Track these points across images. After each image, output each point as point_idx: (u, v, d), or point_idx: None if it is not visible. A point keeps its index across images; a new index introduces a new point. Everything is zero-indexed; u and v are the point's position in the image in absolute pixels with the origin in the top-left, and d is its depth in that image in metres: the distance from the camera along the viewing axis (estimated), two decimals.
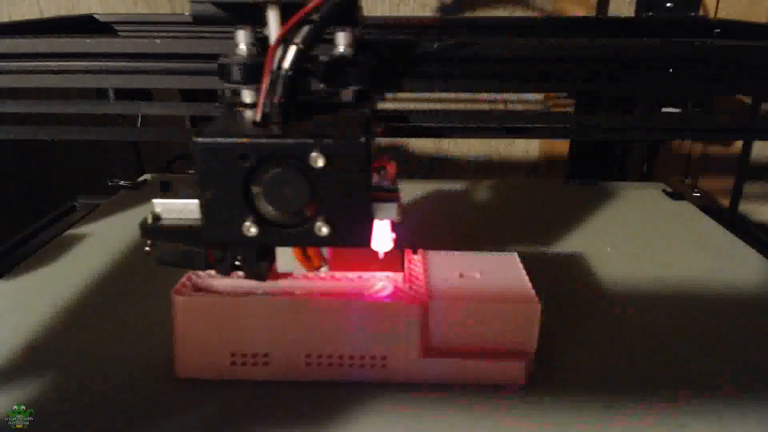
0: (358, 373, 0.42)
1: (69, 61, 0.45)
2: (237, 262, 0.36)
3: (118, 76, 0.46)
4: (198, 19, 0.33)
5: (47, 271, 0.61)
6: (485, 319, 0.42)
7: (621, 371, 0.46)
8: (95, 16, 0.83)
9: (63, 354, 0.47)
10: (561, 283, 0.59)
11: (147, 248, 0.36)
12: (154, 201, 0.35)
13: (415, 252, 0.49)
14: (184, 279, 0.44)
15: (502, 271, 0.47)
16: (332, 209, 0.31)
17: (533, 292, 0.44)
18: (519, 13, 1.12)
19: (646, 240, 0.71)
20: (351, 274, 0.45)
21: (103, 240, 0.69)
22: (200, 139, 0.30)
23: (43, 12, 1.06)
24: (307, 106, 0.34)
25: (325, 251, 0.36)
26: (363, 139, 0.30)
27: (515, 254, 0.49)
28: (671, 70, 0.39)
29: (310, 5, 0.30)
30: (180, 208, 0.35)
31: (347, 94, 0.35)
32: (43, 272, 0.61)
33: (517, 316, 0.42)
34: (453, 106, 1.16)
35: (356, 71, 0.34)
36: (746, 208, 1.16)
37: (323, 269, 0.36)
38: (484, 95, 1.12)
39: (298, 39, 0.31)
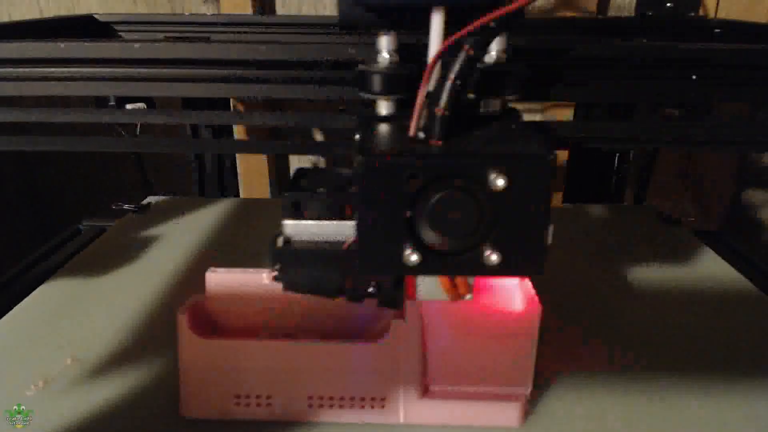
0: (359, 414, 0.42)
1: (68, 67, 0.42)
2: (370, 289, 0.32)
3: (123, 84, 0.42)
4: (344, 23, 0.30)
5: (55, 302, 0.58)
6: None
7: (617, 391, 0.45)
8: (95, 16, 0.79)
9: (68, 389, 0.45)
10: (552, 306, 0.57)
11: (274, 273, 0.32)
12: (285, 222, 0.31)
13: None
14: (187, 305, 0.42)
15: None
16: (503, 234, 0.28)
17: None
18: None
19: (637, 264, 0.68)
20: None
21: (111, 268, 0.65)
22: (369, 157, 0.27)
23: (43, 12, 1.02)
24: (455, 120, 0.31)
25: (471, 278, 0.32)
26: (550, 155, 0.27)
27: None
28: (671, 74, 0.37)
29: (499, 12, 0.27)
30: (314, 231, 0.31)
31: (495, 105, 0.32)
32: (51, 303, 0.58)
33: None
34: None
35: (511, 80, 0.31)
36: (744, 216, 1.17)
37: (467, 297, 0.33)
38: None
39: (467, 45, 0.28)
